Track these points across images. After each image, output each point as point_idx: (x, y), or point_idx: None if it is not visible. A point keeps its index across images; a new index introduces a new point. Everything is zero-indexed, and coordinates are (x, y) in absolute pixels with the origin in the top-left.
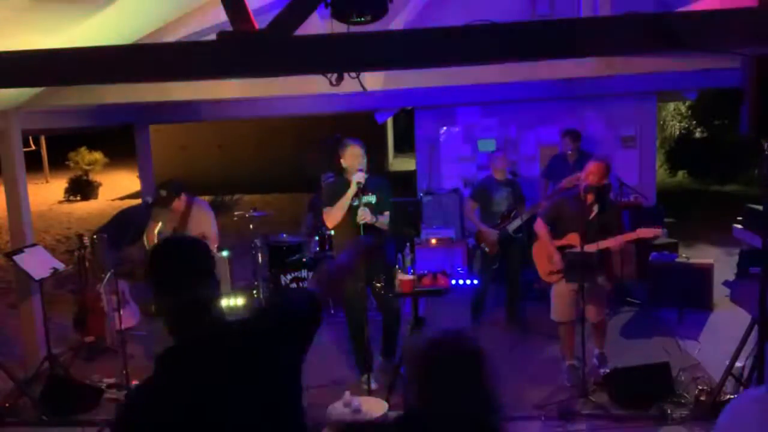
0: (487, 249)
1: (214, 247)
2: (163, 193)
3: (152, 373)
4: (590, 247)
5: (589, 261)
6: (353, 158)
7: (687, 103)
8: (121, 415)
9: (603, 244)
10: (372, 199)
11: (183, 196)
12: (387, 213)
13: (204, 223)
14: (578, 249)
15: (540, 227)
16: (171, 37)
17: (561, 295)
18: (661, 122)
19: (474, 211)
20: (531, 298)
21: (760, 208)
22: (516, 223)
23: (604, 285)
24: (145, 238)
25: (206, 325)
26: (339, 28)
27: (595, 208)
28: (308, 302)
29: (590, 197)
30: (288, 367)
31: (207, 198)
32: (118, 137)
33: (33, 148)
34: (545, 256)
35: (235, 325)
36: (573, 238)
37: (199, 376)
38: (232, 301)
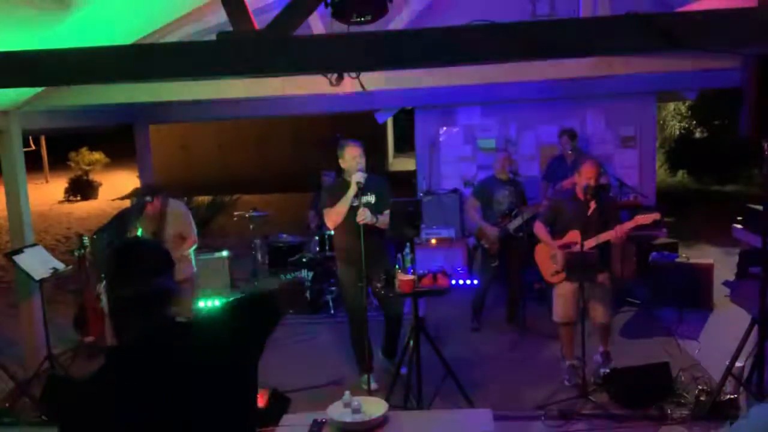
0: (487, 246)
1: (191, 245)
2: (133, 201)
3: (97, 370)
4: (590, 242)
5: (589, 260)
6: (352, 158)
7: (687, 103)
8: (65, 410)
9: (603, 237)
10: (372, 199)
11: (156, 200)
12: (387, 213)
13: (180, 222)
14: (578, 247)
15: (539, 229)
16: (171, 37)
17: (563, 295)
18: (661, 122)
19: (476, 209)
20: (531, 298)
21: (760, 208)
22: (517, 222)
23: (605, 283)
24: None
25: (152, 324)
26: (339, 28)
27: (593, 206)
28: (265, 305)
29: (587, 196)
30: (236, 369)
31: (207, 198)
32: (118, 137)
33: (33, 148)
34: (548, 257)
35: (184, 326)
36: (574, 235)
37: (142, 375)
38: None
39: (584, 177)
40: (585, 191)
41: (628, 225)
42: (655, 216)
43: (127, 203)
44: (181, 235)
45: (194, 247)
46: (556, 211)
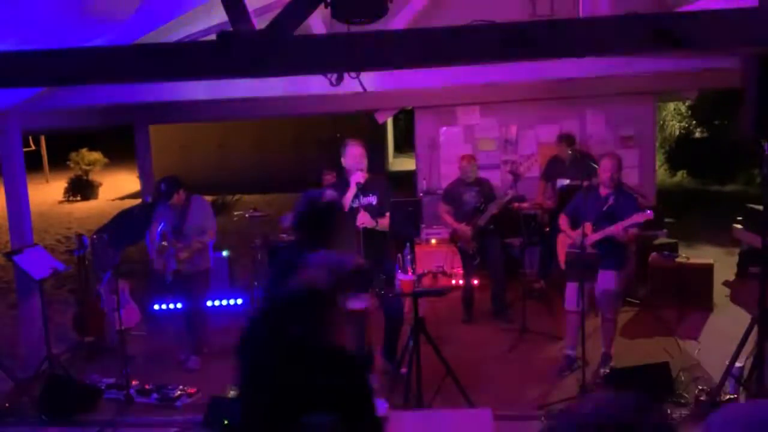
0: (464, 247)
1: (211, 237)
2: (163, 187)
3: None
4: (594, 236)
5: (588, 260)
6: (353, 158)
7: (687, 103)
8: None
9: (606, 232)
10: (373, 200)
11: (182, 192)
12: (387, 214)
13: (203, 216)
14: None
15: (562, 220)
16: (171, 37)
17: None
18: (661, 122)
19: (448, 214)
20: (531, 298)
21: (760, 208)
22: (486, 216)
23: (614, 279)
24: (149, 239)
25: None
26: (339, 28)
27: (611, 201)
28: None
29: (605, 191)
30: None
31: (207, 198)
32: (118, 137)
33: (33, 148)
34: (566, 247)
35: None
36: (587, 228)
37: None
38: (231, 301)
39: (602, 171)
40: (606, 184)
41: (626, 222)
42: (648, 215)
43: (127, 203)
44: (202, 229)
45: (212, 241)
46: (577, 204)
